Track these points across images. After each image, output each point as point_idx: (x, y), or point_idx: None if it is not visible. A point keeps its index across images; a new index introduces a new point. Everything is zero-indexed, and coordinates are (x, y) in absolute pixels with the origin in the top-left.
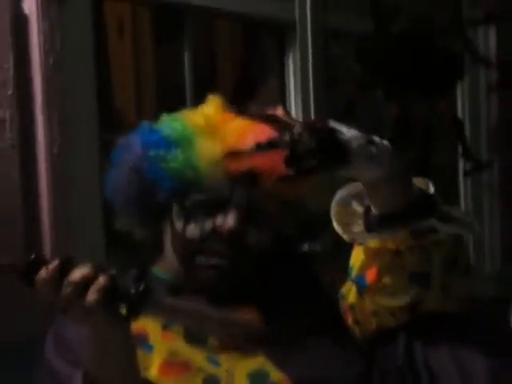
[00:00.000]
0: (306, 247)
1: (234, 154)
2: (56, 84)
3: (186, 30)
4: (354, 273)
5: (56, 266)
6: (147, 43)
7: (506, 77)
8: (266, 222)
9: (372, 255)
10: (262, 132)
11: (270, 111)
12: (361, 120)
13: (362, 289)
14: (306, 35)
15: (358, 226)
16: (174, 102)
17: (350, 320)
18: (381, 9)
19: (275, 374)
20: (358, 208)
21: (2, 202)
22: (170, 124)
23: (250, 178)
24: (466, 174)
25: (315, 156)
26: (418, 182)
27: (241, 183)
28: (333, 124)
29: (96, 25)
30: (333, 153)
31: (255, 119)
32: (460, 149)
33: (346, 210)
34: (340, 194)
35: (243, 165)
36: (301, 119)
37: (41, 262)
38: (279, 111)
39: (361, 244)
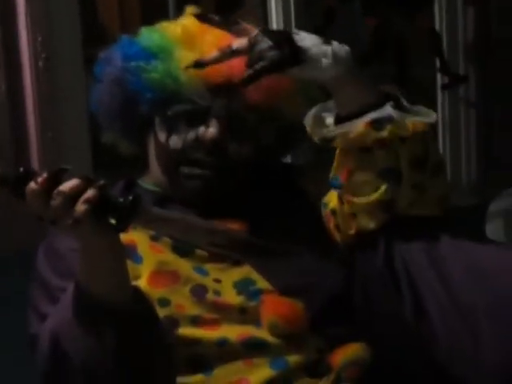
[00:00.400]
0: (289, 159)
1: (199, 62)
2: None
3: None
4: (330, 178)
5: (46, 178)
6: None
7: None
8: (247, 132)
9: (343, 156)
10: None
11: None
12: (339, 31)
13: (339, 191)
14: None
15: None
16: (157, 15)
17: (331, 225)
18: None
19: (261, 282)
20: (330, 120)
21: None
22: (149, 35)
23: (229, 89)
24: (443, 87)
25: (272, 56)
26: (389, 89)
27: (220, 93)
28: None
29: None
30: (287, 51)
31: (219, 27)
32: (438, 63)
33: (320, 124)
34: (314, 109)
35: (209, 72)
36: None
37: (30, 175)
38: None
39: (329, 142)
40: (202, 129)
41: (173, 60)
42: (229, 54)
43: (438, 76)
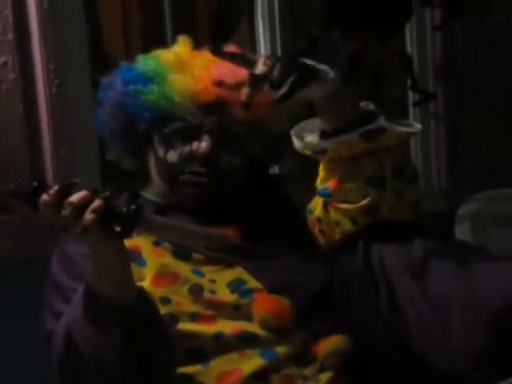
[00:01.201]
0: (276, 170)
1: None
2: (51, 30)
3: None
4: (318, 188)
5: (57, 190)
6: None
7: (448, 17)
8: (237, 145)
9: (332, 166)
10: (223, 64)
11: (232, 49)
12: (323, 55)
13: (326, 199)
14: None
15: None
16: (157, 44)
17: (316, 230)
18: None
19: (251, 281)
20: (311, 139)
21: (7, 135)
22: (145, 62)
23: (219, 107)
24: (414, 104)
25: (297, 75)
26: (363, 105)
27: (210, 111)
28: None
29: None
30: (305, 73)
31: (224, 58)
32: (409, 82)
33: (301, 141)
34: (294, 130)
35: (199, 92)
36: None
37: (43, 187)
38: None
39: (321, 155)
40: (195, 144)
41: (167, 83)
42: (256, 82)
43: (410, 94)
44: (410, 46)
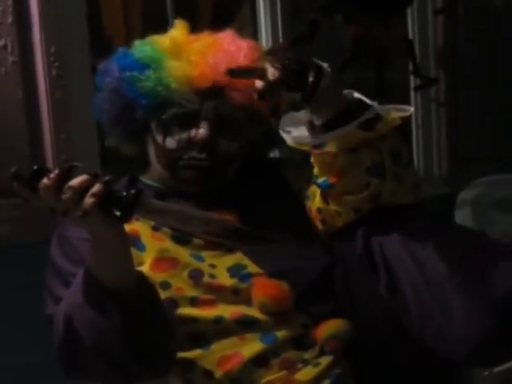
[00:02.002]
0: (277, 154)
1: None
2: (51, 13)
3: None
4: (318, 180)
5: (57, 174)
6: None
7: (449, 1)
8: (235, 130)
9: (329, 159)
10: (220, 49)
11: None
12: (323, 42)
13: (327, 192)
14: None
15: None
16: (158, 28)
17: (317, 220)
18: None
19: (251, 266)
20: (299, 133)
21: (7, 118)
22: (142, 48)
23: (216, 92)
24: (416, 89)
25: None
26: (347, 92)
27: (208, 97)
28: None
29: None
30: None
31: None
32: (411, 67)
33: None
34: (280, 126)
35: (196, 78)
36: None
37: (44, 171)
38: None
39: (318, 149)
40: (193, 130)
41: (163, 69)
42: (274, 88)
43: (411, 79)
44: (411, 31)
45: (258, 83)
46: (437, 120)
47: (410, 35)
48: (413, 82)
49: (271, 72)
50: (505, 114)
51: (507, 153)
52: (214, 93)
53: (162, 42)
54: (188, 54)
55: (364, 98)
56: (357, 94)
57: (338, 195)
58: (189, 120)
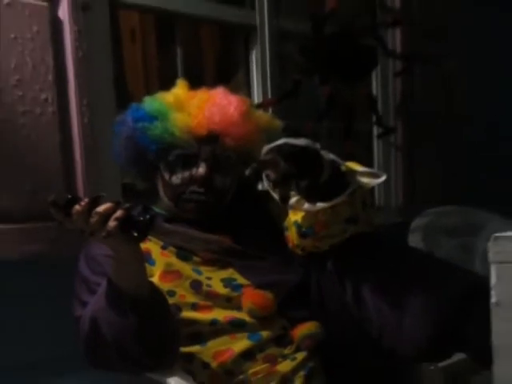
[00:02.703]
0: (259, 188)
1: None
2: (84, 73)
3: (177, 33)
4: (303, 229)
5: (87, 202)
6: (152, 46)
7: (407, 65)
8: (228, 168)
9: (315, 213)
10: (215, 105)
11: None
12: (304, 98)
13: (308, 235)
14: (264, 36)
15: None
16: (171, 85)
17: (296, 249)
18: (316, 17)
19: (240, 279)
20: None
21: (48, 158)
22: (151, 103)
23: (212, 138)
24: (378, 136)
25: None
26: (324, 153)
27: (205, 142)
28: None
29: (113, 33)
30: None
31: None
32: (374, 118)
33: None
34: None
35: (195, 127)
36: (261, 98)
37: (76, 200)
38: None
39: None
40: (194, 169)
41: (169, 120)
42: (281, 182)
43: (374, 128)
44: (375, 89)
45: (271, 174)
46: (395, 162)
47: (374, 92)
48: (376, 130)
49: (283, 166)
50: (452, 157)
51: (452, 188)
52: (210, 139)
53: (167, 97)
54: (188, 108)
55: (336, 159)
56: (331, 156)
57: (320, 238)
58: (190, 161)
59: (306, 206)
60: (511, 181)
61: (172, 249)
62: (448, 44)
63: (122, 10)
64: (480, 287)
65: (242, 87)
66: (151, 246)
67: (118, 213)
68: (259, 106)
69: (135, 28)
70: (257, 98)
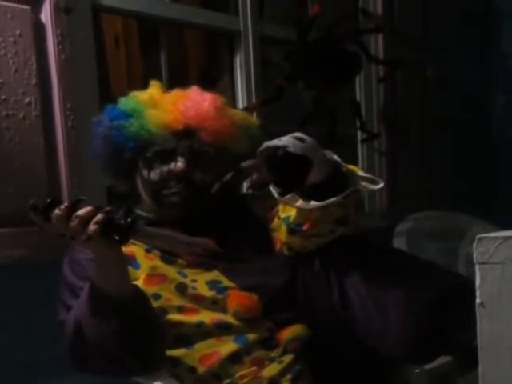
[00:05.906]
0: (244, 190)
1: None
2: (68, 76)
3: (161, 38)
4: (292, 225)
5: (67, 206)
6: (136, 51)
7: (389, 71)
8: (207, 164)
9: (306, 211)
10: (189, 100)
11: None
12: (287, 103)
13: (296, 232)
14: (248, 41)
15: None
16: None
17: (283, 248)
18: (301, 22)
19: (226, 281)
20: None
21: (32, 161)
22: (126, 102)
23: (189, 133)
24: (362, 141)
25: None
26: (327, 153)
27: (182, 137)
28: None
29: (97, 38)
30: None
31: None
32: (358, 123)
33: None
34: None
35: (172, 122)
36: (246, 103)
37: (56, 203)
38: None
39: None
40: (172, 164)
41: (144, 117)
42: (259, 186)
43: (358, 133)
44: (358, 95)
45: (252, 178)
46: (379, 166)
47: (358, 98)
48: (360, 135)
49: (264, 173)
50: (435, 162)
51: (435, 193)
52: (186, 134)
53: (142, 96)
54: (163, 105)
55: (339, 161)
56: (335, 157)
57: (307, 237)
58: (168, 156)
59: (300, 203)
60: (495, 186)
61: (156, 252)
62: (429, 50)
63: (105, 14)
64: (465, 288)
65: (226, 92)
66: (135, 249)
67: (99, 216)
68: (244, 110)
69: (119, 33)
70: (241, 102)
